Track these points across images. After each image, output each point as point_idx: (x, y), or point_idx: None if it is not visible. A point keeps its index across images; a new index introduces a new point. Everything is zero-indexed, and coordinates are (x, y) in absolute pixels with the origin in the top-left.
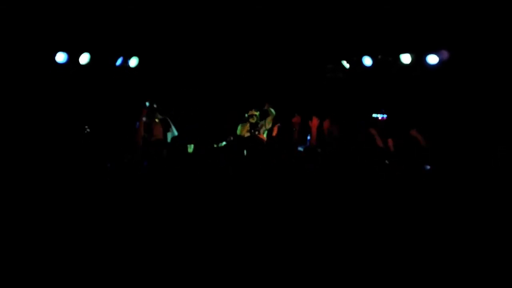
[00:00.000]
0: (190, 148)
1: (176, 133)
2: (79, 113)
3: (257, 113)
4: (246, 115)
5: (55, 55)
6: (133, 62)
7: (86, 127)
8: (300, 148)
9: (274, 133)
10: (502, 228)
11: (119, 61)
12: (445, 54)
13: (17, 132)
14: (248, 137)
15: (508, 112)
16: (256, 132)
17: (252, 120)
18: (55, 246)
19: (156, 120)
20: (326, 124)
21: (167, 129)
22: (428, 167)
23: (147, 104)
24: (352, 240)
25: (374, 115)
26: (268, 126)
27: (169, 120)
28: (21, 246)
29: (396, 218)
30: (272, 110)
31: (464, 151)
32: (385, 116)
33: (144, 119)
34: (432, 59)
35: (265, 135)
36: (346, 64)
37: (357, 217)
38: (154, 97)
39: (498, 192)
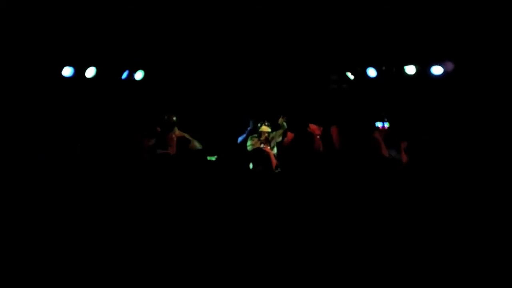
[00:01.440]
0: (213, 158)
1: (200, 146)
2: (85, 126)
3: (270, 129)
4: (259, 129)
5: (61, 69)
6: (139, 75)
7: (79, 144)
8: None
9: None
10: (501, 230)
11: (125, 75)
12: (450, 65)
13: (23, 145)
14: (253, 150)
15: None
16: (262, 145)
17: (262, 138)
18: (50, 250)
19: (174, 135)
20: (334, 131)
21: (184, 145)
22: None
23: (166, 117)
24: (353, 243)
25: (376, 124)
26: (278, 139)
27: (188, 137)
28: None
29: (397, 221)
30: (285, 124)
31: (468, 160)
32: (386, 124)
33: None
34: (437, 70)
35: (275, 150)
36: (350, 75)
37: (361, 221)
38: (173, 110)
39: (498, 199)
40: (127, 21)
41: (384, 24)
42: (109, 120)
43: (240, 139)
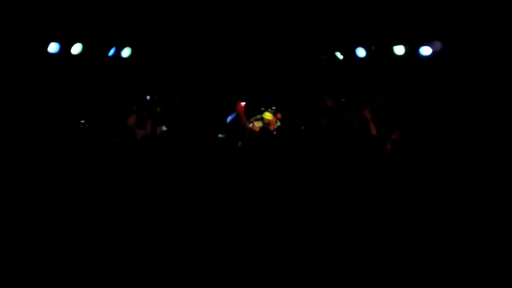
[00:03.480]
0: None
1: None
2: (71, 103)
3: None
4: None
5: (47, 45)
6: (126, 52)
7: (83, 121)
8: None
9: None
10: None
11: (111, 52)
12: (439, 45)
13: (8, 123)
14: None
15: (502, 105)
16: (251, 124)
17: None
18: (51, 240)
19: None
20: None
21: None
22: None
23: (148, 97)
24: (349, 238)
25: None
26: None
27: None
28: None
29: (393, 215)
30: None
31: (458, 145)
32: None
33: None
34: (426, 50)
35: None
36: (339, 55)
37: (354, 213)
38: (153, 90)
39: (494, 188)
40: None
41: (373, 4)
42: (95, 98)
43: (229, 118)
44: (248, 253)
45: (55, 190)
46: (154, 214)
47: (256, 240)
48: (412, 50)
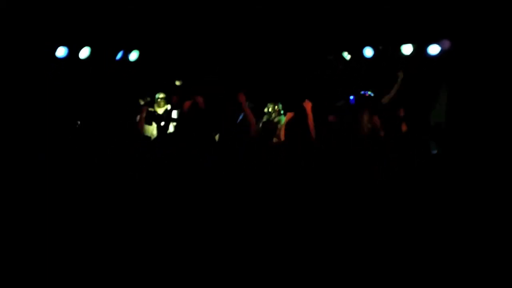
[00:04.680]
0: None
1: None
2: (79, 107)
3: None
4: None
5: (55, 49)
6: (134, 55)
7: (78, 122)
8: None
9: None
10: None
11: (119, 55)
12: (447, 44)
13: (16, 126)
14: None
15: (508, 104)
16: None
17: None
18: (46, 241)
19: None
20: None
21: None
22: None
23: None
24: (351, 239)
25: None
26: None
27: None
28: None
29: (397, 215)
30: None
31: (465, 143)
32: (371, 94)
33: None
34: (434, 49)
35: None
36: (347, 55)
37: (354, 213)
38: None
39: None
40: (121, 1)
41: (381, 3)
42: (103, 102)
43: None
44: (249, 254)
45: (55, 190)
46: (154, 214)
47: (257, 240)
48: (420, 49)
